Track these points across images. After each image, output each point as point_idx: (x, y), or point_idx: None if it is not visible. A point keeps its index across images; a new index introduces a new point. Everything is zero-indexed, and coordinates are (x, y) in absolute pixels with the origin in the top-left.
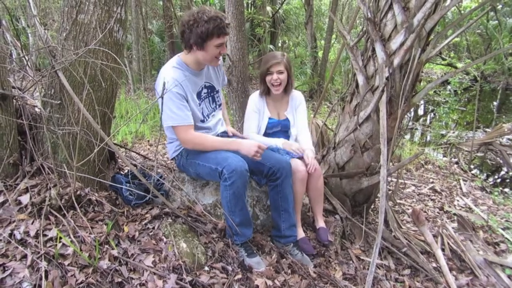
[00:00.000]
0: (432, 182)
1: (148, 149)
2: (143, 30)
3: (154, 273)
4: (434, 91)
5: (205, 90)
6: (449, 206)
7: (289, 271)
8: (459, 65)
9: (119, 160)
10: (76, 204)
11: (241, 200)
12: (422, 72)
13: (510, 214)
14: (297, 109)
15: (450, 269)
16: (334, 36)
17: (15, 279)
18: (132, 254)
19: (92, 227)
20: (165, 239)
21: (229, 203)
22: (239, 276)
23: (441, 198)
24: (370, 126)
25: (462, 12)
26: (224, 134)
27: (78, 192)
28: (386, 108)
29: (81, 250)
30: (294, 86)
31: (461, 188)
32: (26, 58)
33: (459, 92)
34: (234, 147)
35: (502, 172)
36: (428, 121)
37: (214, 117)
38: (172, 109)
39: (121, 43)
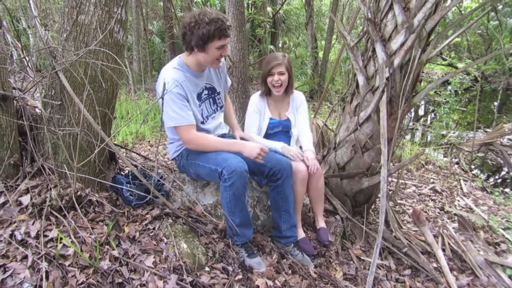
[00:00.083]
0: (433, 182)
1: (149, 149)
2: (143, 30)
3: (155, 274)
4: (435, 92)
5: (205, 92)
6: (450, 206)
7: (290, 271)
8: (460, 65)
9: (120, 161)
10: (76, 205)
11: (241, 201)
12: (423, 72)
13: (510, 214)
14: (298, 109)
15: (451, 269)
16: (334, 36)
17: (15, 279)
18: (133, 255)
19: (92, 228)
20: (165, 240)
21: (229, 203)
22: (240, 276)
23: (441, 198)
24: (370, 127)
25: (463, 12)
26: (224, 136)
27: (79, 193)
28: (386, 108)
29: (81, 250)
30: (294, 86)
31: (461, 188)
32: (27, 59)
33: (459, 92)
34: (236, 148)
35: (503, 172)
36: (428, 121)
37: (214, 119)
38: (174, 109)
39: (122, 44)
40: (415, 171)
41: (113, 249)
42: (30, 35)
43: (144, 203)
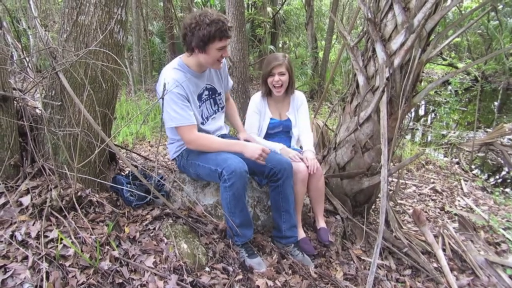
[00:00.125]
0: (433, 182)
1: (149, 150)
2: (143, 31)
3: (155, 274)
4: (435, 91)
5: (206, 92)
6: (450, 206)
7: (290, 271)
8: (460, 65)
9: (120, 161)
10: (77, 205)
11: (241, 201)
12: (423, 72)
13: (511, 214)
14: (298, 109)
15: (451, 269)
16: (334, 36)
17: (16, 280)
18: (133, 255)
19: (93, 228)
20: (166, 240)
21: (229, 204)
22: (240, 276)
23: (442, 198)
24: (370, 127)
25: (463, 12)
26: (224, 136)
27: (79, 193)
28: (386, 108)
29: (82, 251)
30: (295, 87)
31: (462, 188)
32: (27, 59)
33: (460, 92)
34: (238, 149)
35: (503, 172)
36: (429, 121)
37: (215, 120)
38: (175, 110)
39: (122, 44)
40: (415, 171)
41: (114, 250)
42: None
43: (144, 203)
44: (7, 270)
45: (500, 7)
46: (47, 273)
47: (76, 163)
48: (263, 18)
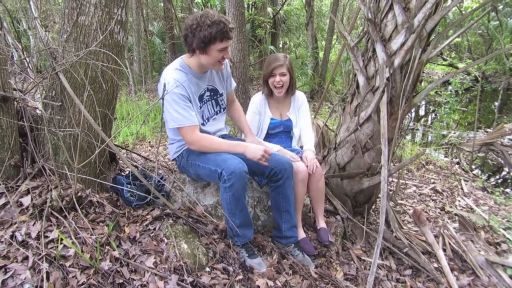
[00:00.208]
0: (433, 183)
1: (149, 150)
2: (144, 31)
3: (155, 274)
4: (435, 92)
5: (207, 93)
6: (450, 207)
7: (290, 271)
8: (460, 65)
9: (120, 162)
10: (77, 206)
11: (241, 202)
12: (423, 72)
13: (511, 214)
14: (299, 109)
15: (452, 270)
16: (335, 36)
17: (16, 280)
18: (133, 255)
19: (93, 229)
20: (166, 240)
21: (229, 204)
22: (240, 276)
23: (442, 199)
24: (371, 127)
25: (463, 12)
26: (224, 137)
27: (79, 194)
28: (386, 108)
29: (82, 251)
30: (296, 87)
31: (462, 189)
32: (27, 60)
33: (460, 92)
34: (240, 150)
35: (503, 172)
36: (429, 122)
37: (215, 121)
38: (177, 110)
39: (122, 45)
40: (415, 171)
41: (114, 250)
42: (30, 36)
43: (144, 203)
44: (8, 270)
45: (501, 7)
46: (47, 273)
47: (76, 163)
48: (264, 18)
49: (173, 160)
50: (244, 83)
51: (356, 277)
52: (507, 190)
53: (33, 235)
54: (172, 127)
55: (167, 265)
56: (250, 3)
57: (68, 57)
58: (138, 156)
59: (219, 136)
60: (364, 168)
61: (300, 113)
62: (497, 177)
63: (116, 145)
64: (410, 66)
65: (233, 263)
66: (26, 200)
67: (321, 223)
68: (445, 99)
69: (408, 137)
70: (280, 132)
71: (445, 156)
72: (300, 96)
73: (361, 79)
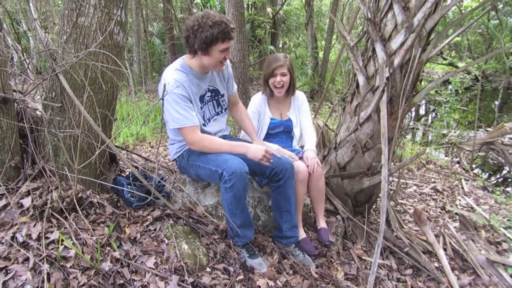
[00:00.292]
0: (434, 182)
1: (150, 151)
2: (143, 32)
3: (156, 275)
4: (435, 91)
5: (208, 94)
6: (451, 206)
7: (291, 271)
8: (460, 64)
9: (121, 162)
10: (77, 207)
11: (241, 202)
12: (423, 71)
13: None
14: (299, 109)
15: (452, 269)
16: (334, 36)
17: (17, 281)
18: (134, 256)
19: (93, 229)
20: (166, 241)
21: (230, 205)
22: (241, 277)
23: (442, 198)
24: (371, 126)
25: (463, 11)
26: (225, 137)
27: (80, 195)
28: (386, 108)
29: (83, 252)
30: (296, 87)
31: (462, 188)
32: (27, 61)
33: (460, 91)
34: (241, 151)
35: (504, 172)
36: (429, 121)
37: (216, 121)
38: (178, 111)
39: (122, 46)
40: (416, 170)
41: (114, 251)
42: (30, 38)
43: (145, 204)
44: (8, 271)
45: (500, 6)
46: (48, 274)
47: (77, 164)
48: (263, 18)
49: (173, 160)
50: (244, 83)
51: (356, 277)
52: (508, 189)
53: (34, 236)
54: (173, 128)
55: (168, 266)
56: (249, 3)
57: (68, 58)
58: (138, 156)
59: (220, 137)
60: (364, 168)
61: (301, 113)
62: (498, 176)
63: (116, 146)
64: (410, 65)
65: (233, 263)
66: (27, 202)
67: (322, 223)
68: (445, 98)
69: (409, 136)
70: (280, 132)
71: (446, 156)
72: (300, 96)
73: (361, 79)
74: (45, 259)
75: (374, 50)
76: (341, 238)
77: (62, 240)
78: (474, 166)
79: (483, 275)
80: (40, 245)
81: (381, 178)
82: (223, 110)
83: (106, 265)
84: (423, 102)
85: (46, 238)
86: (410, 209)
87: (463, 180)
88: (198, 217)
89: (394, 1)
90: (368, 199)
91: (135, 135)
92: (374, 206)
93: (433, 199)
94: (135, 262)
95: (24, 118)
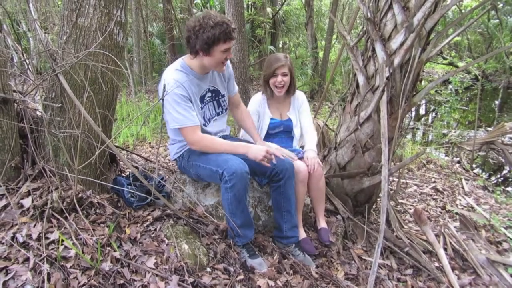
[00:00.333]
0: (434, 182)
1: (150, 151)
2: (143, 32)
3: (156, 275)
4: (436, 91)
5: (209, 94)
6: (451, 206)
7: (291, 271)
8: (460, 64)
9: (121, 163)
10: (78, 207)
11: (242, 202)
12: (423, 71)
13: None
14: (299, 109)
15: (453, 269)
16: (334, 36)
17: (17, 282)
18: (134, 256)
19: (94, 230)
20: (167, 241)
21: (230, 205)
22: (241, 277)
23: (443, 198)
24: (371, 126)
25: (463, 11)
26: (225, 138)
27: (80, 195)
28: (386, 107)
29: (83, 252)
30: (296, 87)
31: (463, 187)
32: (27, 62)
33: (460, 91)
34: (242, 151)
35: (504, 171)
36: (429, 121)
37: (217, 122)
38: (178, 111)
39: (122, 46)
40: (416, 170)
41: (115, 251)
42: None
43: (145, 204)
44: (9, 271)
45: (500, 5)
46: (48, 274)
47: (77, 164)
48: (263, 18)
49: (173, 160)
50: (244, 83)
51: (357, 277)
52: (508, 188)
53: (34, 236)
54: (173, 128)
55: (168, 266)
56: (249, 3)
57: (68, 58)
58: (138, 157)
59: (220, 137)
60: (364, 168)
61: (301, 112)
62: (498, 176)
63: (116, 146)
64: (409, 65)
65: (234, 263)
66: (27, 202)
67: (322, 223)
68: (445, 98)
69: (409, 136)
70: (280, 132)
71: (446, 155)
72: (300, 96)
73: (361, 79)
74: (45, 259)
75: (374, 50)
76: (341, 238)
77: (62, 240)
78: (474, 165)
79: (484, 275)
80: (40, 245)
81: (381, 178)
82: (224, 111)
83: (106, 265)
84: (423, 101)
85: (46, 238)
86: (410, 209)
87: (463, 180)
88: (198, 217)
89: (393, 1)
90: (368, 199)
91: (135, 135)
92: (374, 206)
93: (433, 199)
94: (135, 262)
95: (24, 119)
